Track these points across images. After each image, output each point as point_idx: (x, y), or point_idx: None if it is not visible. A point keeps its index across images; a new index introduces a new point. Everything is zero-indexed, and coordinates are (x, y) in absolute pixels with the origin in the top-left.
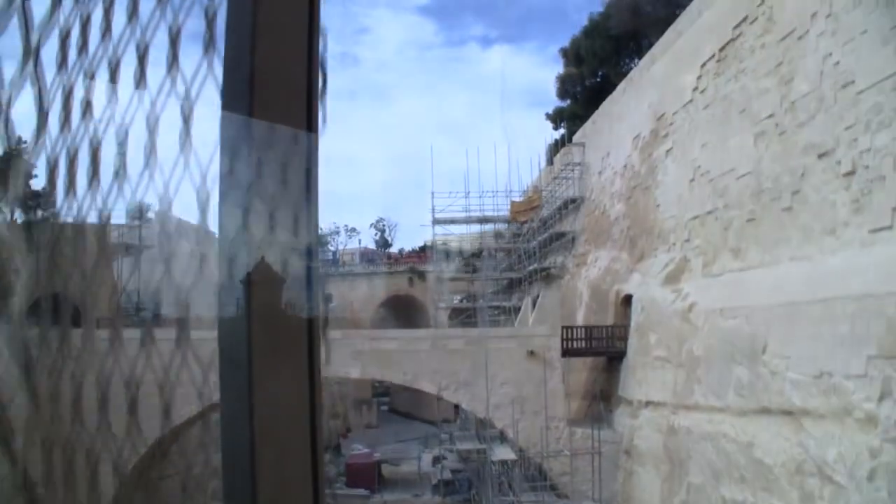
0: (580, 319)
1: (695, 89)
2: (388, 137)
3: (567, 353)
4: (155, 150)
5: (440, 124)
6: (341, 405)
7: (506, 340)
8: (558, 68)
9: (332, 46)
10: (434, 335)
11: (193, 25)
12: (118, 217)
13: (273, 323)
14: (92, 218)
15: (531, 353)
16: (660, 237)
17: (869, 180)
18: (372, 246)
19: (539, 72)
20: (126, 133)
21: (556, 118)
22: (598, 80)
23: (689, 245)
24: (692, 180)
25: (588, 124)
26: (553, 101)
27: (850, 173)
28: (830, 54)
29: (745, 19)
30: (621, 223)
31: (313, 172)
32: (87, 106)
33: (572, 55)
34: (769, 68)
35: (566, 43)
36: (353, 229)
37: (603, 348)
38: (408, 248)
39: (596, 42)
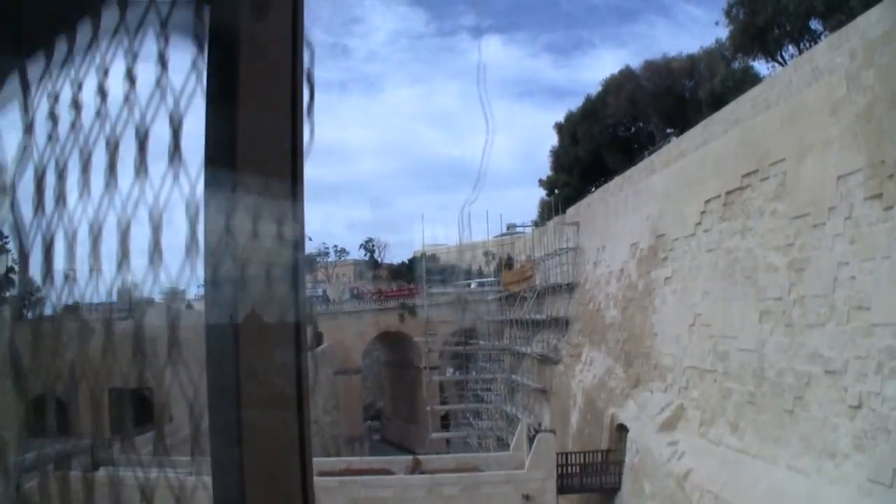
0: (574, 423)
1: (697, 224)
2: (379, 127)
3: (563, 490)
4: (145, 161)
5: (431, 114)
6: (332, 445)
7: (501, 485)
8: (548, 58)
9: (323, 37)
10: (431, 481)
11: (180, 22)
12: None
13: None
14: (82, 231)
15: (527, 498)
16: (656, 369)
17: (874, 426)
18: (363, 264)
19: (530, 61)
20: (116, 145)
21: (550, 186)
22: (593, 156)
23: (686, 394)
24: (692, 325)
25: (583, 206)
26: (546, 89)
27: (857, 407)
28: (847, 264)
29: (755, 172)
30: (616, 333)
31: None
32: (77, 114)
33: (567, 133)
34: (779, 243)
35: (558, 35)
36: (343, 250)
37: (597, 483)
38: (397, 260)
39: (593, 127)
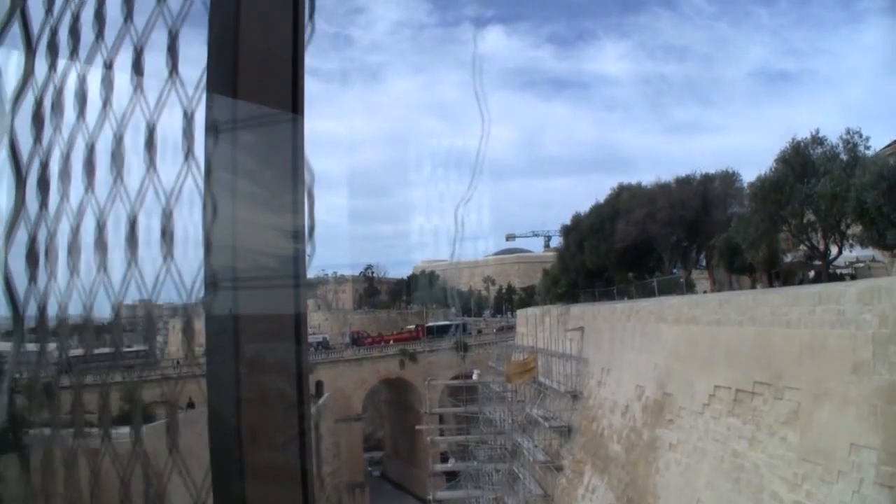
0: None
1: (706, 405)
2: (380, 117)
3: None
4: (154, 160)
5: (433, 104)
6: (334, 495)
7: None
8: (551, 49)
9: (325, 27)
10: None
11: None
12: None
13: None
14: (88, 222)
15: None
16: None
17: None
18: (361, 282)
19: (532, 52)
20: (122, 136)
21: (553, 281)
22: (599, 268)
23: None
24: None
25: (588, 314)
26: (548, 80)
27: None
28: None
29: (769, 385)
30: (620, 471)
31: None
32: (82, 109)
33: (574, 241)
34: (786, 475)
35: (561, 25)
36: (342, 277)
37: None
38: (396, 275)
39: (601, 245)
